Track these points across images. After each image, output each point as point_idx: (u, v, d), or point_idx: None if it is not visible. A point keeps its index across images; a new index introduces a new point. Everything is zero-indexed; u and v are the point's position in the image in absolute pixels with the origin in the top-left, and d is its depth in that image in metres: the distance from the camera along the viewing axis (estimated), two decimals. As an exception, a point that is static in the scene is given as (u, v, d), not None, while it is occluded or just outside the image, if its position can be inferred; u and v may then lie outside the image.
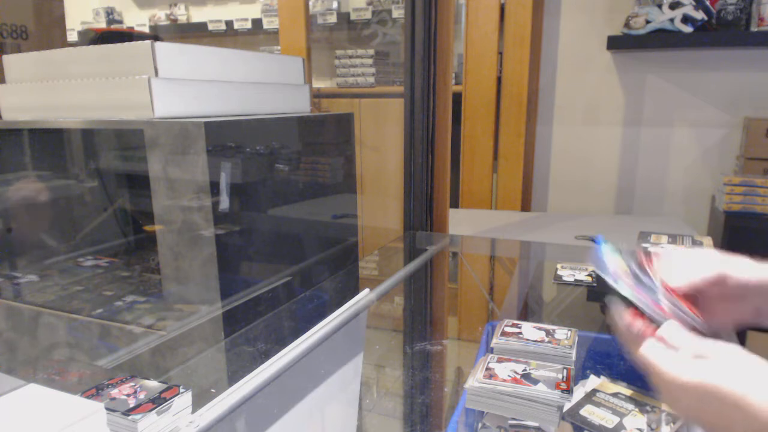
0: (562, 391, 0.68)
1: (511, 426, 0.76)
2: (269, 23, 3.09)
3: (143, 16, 3.63)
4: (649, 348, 0.53)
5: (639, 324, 0.55)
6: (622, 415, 0.80)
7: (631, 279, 0.61)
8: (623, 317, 0.57)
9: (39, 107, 1.01)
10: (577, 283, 1.18)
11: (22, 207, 1.17)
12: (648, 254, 0.64)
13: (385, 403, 1.03)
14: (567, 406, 0.79)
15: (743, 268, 0.61)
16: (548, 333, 0.83)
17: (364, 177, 2.63)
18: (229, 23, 3.24)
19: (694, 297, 0.61)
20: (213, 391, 0.67)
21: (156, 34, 3.35)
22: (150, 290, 1.04)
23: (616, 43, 2.21)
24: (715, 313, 0.61)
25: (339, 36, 3.05)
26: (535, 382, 0.70)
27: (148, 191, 0.89)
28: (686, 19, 2.05)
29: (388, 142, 2.60)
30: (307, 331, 0.79)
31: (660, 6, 2.09)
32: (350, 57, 2.80)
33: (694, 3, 2.03)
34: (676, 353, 0.51)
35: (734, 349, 0.49)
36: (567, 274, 1.21)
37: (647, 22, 2.10)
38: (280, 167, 1.04)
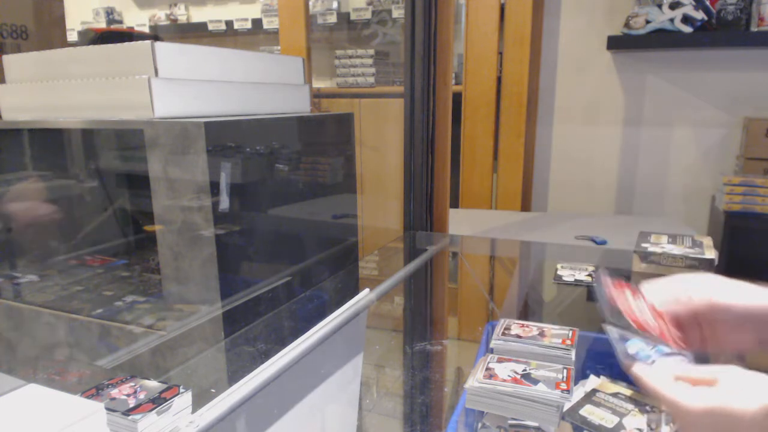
0: (562, 391, 0.68)
1: (511, 426, 0.76)
2: (269, 23, 3.09)
3: (143, 16, 3.63)
4: (656, 379, 0.53)
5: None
6: (621, 415, 0.80)
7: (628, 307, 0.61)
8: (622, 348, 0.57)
9: (39, 107, 1.01)
10: (577, 283, 1.18)
11: (23, 207, 1.17)
12: (634, 287, 0.64)
13: (385, 403, 1.03)
14: (567, 406, 0.79)
15: (741, 295, 0.57)
16: (548, 333, 0.83)
17: (364, 177, 2.63)
18: (229, 23, 3.24)
19: (689, 322, 0.59)
20: (213, 391, 0.67)
21: (156, 34, 3.36)
22: (150, 290, 1.04)
23: (616, 43, 2.21)
24: (716, 338, 0.59)
25: (339, 36, 3.05)
26: (535, 382, 0.70)
27: (148, 191, 0.89)
28: (686, 19, 2.05)
29: (388, 142, 2.60)
30: (307, 331, 0.79)
31: (660, 6, 2.09)
32: (350, 57, 2.80)
33: (694, 3, 2.03)
34: (681, 383, 0.51)
35: (735, 370, 0.49)
36: (567, 274, 1.21)
37: (647, 22, 2.10)
38: (280, 167, 1.04)
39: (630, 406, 0.81)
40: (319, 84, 3.15)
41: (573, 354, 0.78)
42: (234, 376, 0.69)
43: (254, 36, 3.27)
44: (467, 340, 1.24)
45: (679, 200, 2.42)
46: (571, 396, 0.68)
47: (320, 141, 1.19)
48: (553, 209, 2.66)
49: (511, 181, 2.52)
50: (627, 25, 2.15)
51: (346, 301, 0.89)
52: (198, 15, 3.54)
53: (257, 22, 3.17)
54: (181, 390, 0.57)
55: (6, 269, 1.14)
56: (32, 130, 1.15)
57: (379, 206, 2.62)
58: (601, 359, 0.94)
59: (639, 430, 0.77)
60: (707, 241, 1.22)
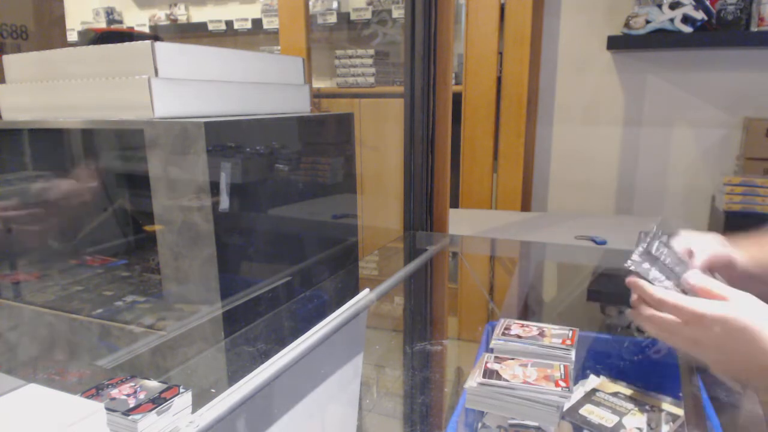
0: (562, 388, 0.68)
1: (511, 426, 0.76)
2: (269, 23, 3.09)
3: (143, 16, 3.63)
4: (669, 293, 0.60)
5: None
6: (621, 415, 0.80)
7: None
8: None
9: (39, 107, 1.01)
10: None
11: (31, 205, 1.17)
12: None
13: (385, 403, 1.03)
14: (566, 404, 0.79)
15: (749, 255, 0.69)
16: (548, 333, 0.83)
17: (364, 177, 2.63)
18: (229, 23, 3.24)
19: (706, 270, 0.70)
20: (213, 391, 0.67)
21: (156, 34, 3.35)
22: (150, 290, 1.04)
23: (616, 43, 2.21)
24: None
25: (339, 36, 3.05)
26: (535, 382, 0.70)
27: (148, 191, 0.89)
28: (686, 19, 2.05)
29: (388, 142, 2.60)
30: (307, 331, 0.79)
31: (660, 6, 2.09)
32: (350, 57, 2.80)
33: (694, 3, 2.03)
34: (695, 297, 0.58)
35: (749, 295, 0.57)
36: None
37: (647, 22, 2.10)
38: (280, 167, 1.04)
39: (630, 406, 0.81)
40: (319, 84, 3.15)
41: (573, 354, 0.78)
42: (234, 376, 0.68)
43: (254, 36, 3.27)
44: (467, 340, 1.24)
45: (679, 200, 2.42)
46: (570, 393, 0.68)
47: (320, 141, 1.19)
48: (553, 209, 2.66)
49: (511, 181, 2.52)
50: (627, 25, 2.15)
51: (346, 301, 0.89)
52: (198, 15, 3.54)
53: (257, 22, 3.17)
54: (181, 390, 0.57)
55: (6, 269, 1.14)
56: (32, 130, 1.15)
57: (379, 206, 2.62)
58: (601, 359, 0.94)
59: (639, 429, 0.77)
60: (707, 241, 1.21)
